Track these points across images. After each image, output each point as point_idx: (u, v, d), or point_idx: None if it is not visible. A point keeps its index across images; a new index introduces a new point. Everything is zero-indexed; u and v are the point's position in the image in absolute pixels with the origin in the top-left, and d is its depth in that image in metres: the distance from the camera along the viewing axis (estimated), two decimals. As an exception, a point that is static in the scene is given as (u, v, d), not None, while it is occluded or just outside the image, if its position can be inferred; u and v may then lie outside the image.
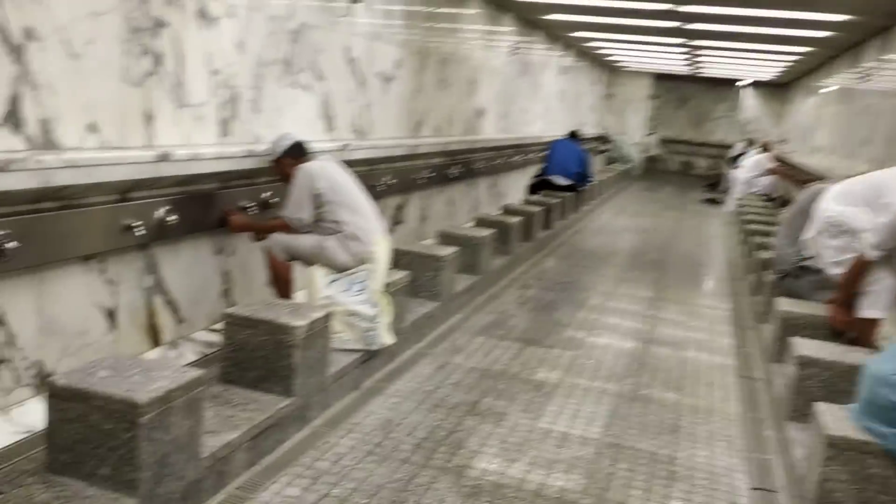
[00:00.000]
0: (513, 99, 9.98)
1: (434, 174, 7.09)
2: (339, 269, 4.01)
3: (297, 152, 4.13)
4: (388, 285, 4.16)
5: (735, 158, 16.04)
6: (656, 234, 10.20)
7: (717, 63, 14.74)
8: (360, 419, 3.59)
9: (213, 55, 4.03)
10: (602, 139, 17.07)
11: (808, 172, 11.03)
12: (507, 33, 9.33)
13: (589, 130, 16.23)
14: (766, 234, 7.90)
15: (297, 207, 4.00)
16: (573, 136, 10.08)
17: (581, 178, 9.69)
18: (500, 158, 9.36)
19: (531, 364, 4.56)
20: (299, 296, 4.47)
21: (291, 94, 4.80)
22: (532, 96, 11.00)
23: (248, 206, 4.35)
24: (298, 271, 4.35)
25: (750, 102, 19.29)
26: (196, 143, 3.97)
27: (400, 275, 4.36)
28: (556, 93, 12.55)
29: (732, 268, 8.35)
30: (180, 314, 4.07)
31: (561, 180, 9.44)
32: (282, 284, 4.12)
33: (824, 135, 10.89)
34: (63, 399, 2.39)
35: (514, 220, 6.99)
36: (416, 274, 5.01)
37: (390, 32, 6.04)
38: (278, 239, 4.07)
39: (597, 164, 17.48)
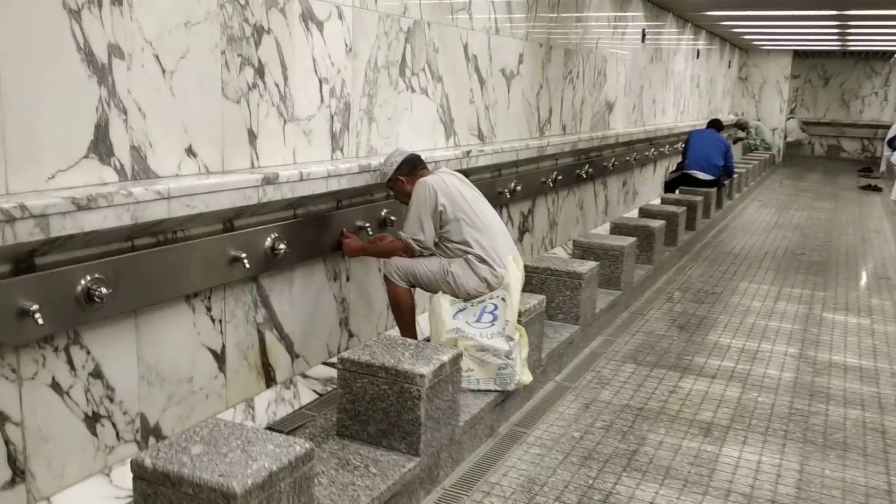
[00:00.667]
0: (643, 88, 9.20)
1: (562, 176, 6.49)
2: (467, 296, 3.50)
3: (411, 167, 3.66)
4: (522, 313, 3.61)
5: (894, 140, 14.41)
6: (811, 230, 9.12)
7: (870, 33, 13.24)
8: (498, 478, 3.06)
9: (320, 62, 3.62)
10: (739, 126, 15.81)
11: None
12: (633, 18, 8.56)
13: (724, 117, 15.05)
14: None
15: (416, 227, 3.53)
16: (714, 125, 9.18)
17: (724, 171, 8.78)
18: (631, 154, 8.62)
19: (693, 400, 3.89)
20: (423, 322, 4.01)
21: (407, 99, 4.34)
22: (663, 84, 10.15)
23: (364, 226, 3.93)
24: (422, 297, 3.90)
25: (906, 76, 17.38)
26: (304, 160, 3.58)
27: (535, 300, 3.80)
28: (687, 79, 11.59)
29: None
30: (294, 349, 3.69)
31: (701, 175, 8.57)
32: (403, 313, 3.66)
33: None
34: (150, 482, 2.00)
35: (656, 224, 6.27)
36: (551, 294, 4.44)
37: (510, 25, 5.49)
38: (398, 263, 3.62)
39: (735, 153, 16.29)
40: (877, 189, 13.36)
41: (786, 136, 17.52)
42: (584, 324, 4.50)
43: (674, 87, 10.72)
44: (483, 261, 3.49)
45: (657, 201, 9.04)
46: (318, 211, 3.66)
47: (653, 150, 9.48)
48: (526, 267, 4.54)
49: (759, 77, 16.81)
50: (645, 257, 6.09)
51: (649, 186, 9.79)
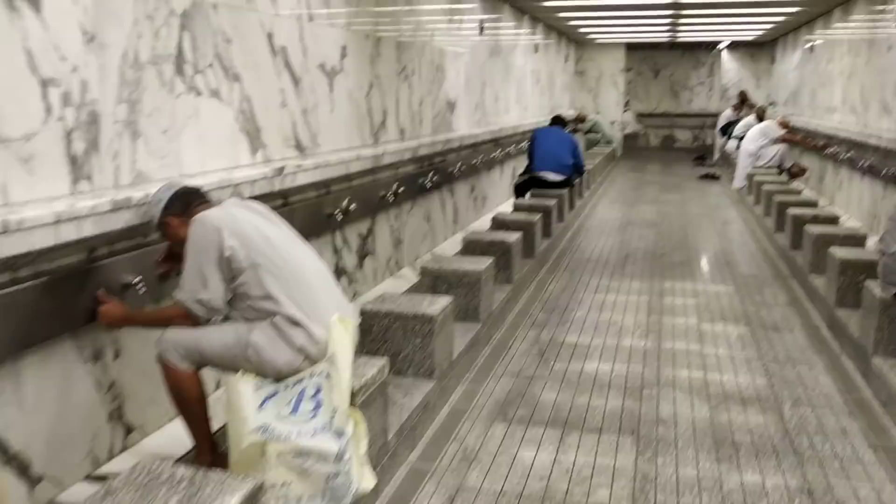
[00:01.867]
0: (484, 85, 8.51)
1: (404, 187, 5.62)
2: (278, 375, 2.51)
3: (184, 204, 2.63)
4: (357, 392, 2.66)
5: (727, 128, 14.71)
6: (666, 226, 8.79)
7: (698, 25, 13.39)
8: None
9: (39, 55, 2.50)
10: (579, 120, 15.66)
11: (824, 136, 9.73)
12: (469, 10, 7.84)
13: (565, 112, 14.80)
14: (812, 208, 6.52)
15: (196, 283, 2.50)
16: (558, 121, 8.62)
17: (575, 169, 8.26)
18: (477, 157, 7.89)
19: (583, 473, 3.09)
20: (218, 414, 2.96)
21: (190, 105, 3.28)
22: (504, 80, 9.53)
23: (132, 282, 2.84)
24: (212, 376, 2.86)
25: (729, 66, 18.00)
26: (23, 199, 2.45)
27: (374, 367, 2.85)
28: (528, 74, 11.09)
29: (779, 264, 6.96)
30: (33, 471, 2.55)
31: (552, 175, 7.97)
32: (189, 406, 2.61)
33: (837, 92, 9.57)
34: None
35: (512, 237, 5.52)
36: (397, 344, 3.53)
37: (327, 11, 4.53)
38: (174, 337, 2.57)
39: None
40: (715, 177, 13.53)
41: (623, 128, 17.66)
42: (440, 377, 3.61)
43: (515, 83, 10.15)
44: (296, 323, 2.51)
45: (508, 207, 8.39)
46: (54, 269, 2.54)
47: (499, 150, 8.83)
48: (363, 312, 3.60)
49: (595, 71, 16.78)
50: (503, 276, 5.33)
51: (498, 190, 9.14)
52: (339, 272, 4.70)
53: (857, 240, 5.77)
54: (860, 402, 3.80)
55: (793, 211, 6.80)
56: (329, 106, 4.57)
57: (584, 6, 9.96)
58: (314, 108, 4.38)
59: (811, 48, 11.47)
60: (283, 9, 4.00)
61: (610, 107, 16.92)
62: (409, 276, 5.71)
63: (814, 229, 5.86)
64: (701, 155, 17.35)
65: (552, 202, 7.24)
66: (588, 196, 10.49)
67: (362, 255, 5.10)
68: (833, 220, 6.73)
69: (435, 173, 6.43)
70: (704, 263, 7.03)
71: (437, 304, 3.66)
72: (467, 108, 7.82)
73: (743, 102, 15.19)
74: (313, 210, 4.27)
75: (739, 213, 9.66)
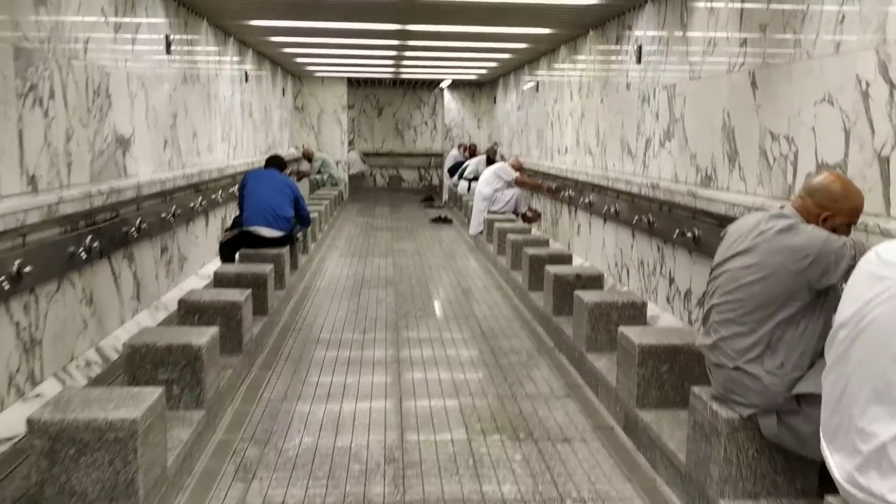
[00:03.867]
0: (177, 118, 6.72)
1: (35, 264, 3.72)
2: None
3: None
4: None
5: (454, 168, 14.19)
6: (406, 285, 7.59)
7: (419, 63, 12.69)
8: None
9: None
10: (306, 156, 14.25)
11: (556, 178, 9.28)
12: (150, 25, 6.06)
13: (285, 151, 13.29)
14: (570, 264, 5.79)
15: None
16: (275, 162, 7.08)
17: (299, 220, 6.76)
18: (170, 208, 6.08)
19: None
20: None
21: None
22: (205, 113, 7.79)
23: None
24: None
25: (451, 105, 17.78)
26: None
27: None
28: (237, 107, 9.42)
29: (544, 337, 6.00)
30: None
31: (267, 231, 6.39)
32: None
33: (569, 133, 9.19)
34: None
35: (203, 337, 3.78)
36: None
37: None
38: None
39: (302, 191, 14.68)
40: (447, 220, 12.83)
41: (349, 168, 16.60)
42: None
43: (220, 116, 8.44)
44: None
45: (211, 268, 6.65)
46: None
47: (201, 199, 7.06)
48: None
49: (316, 106, 15.51)
50: (189, 399, 3.61)
51: (203, 248, 7.33)
52: None
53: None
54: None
55: (553, 269, 5.90)
56: None
57: (294, 28, 8.57)
58: None
59: (535, 87, 11.19)
60: None
61: (334, 145, 15.74)
62: (52, 391, 3.77)
63: (586, 296, 4.94)
64: (429, 196, 16.82)
65: (268, 268, 5.63)
66: (315, 249, 9.02)
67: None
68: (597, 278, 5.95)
69: (96, 237, 4.55)
70: (455, 334, 5.88)
71: None
72: (152, 147, 5.99)
73: (472, 155, 14.82)
74: None
75: (480, 264, 8.81)
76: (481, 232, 9.79)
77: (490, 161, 12.46)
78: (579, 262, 7.78)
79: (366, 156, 18.95)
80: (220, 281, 5.33)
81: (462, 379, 4.72)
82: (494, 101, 15.89)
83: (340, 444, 3.69)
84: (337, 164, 15.31)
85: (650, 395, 3.72)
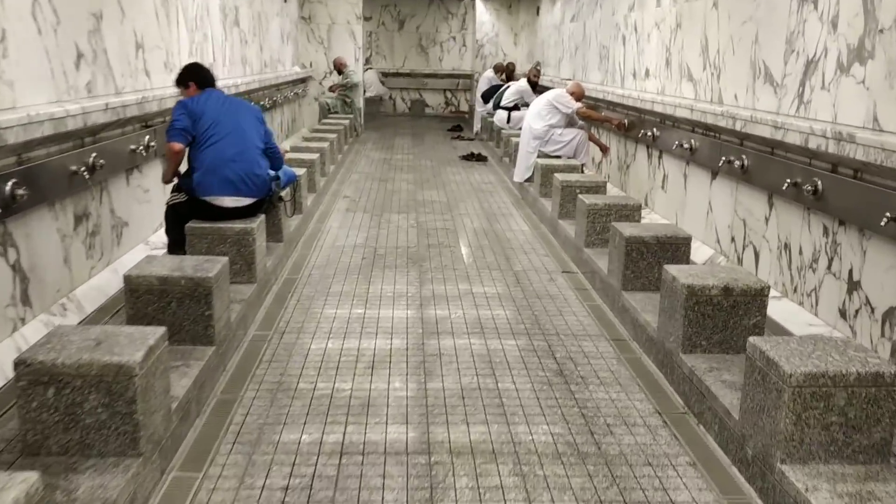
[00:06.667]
0: (103, 18, 4.57)
1: None
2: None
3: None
4: None
5: (489, 94, 11.90)
6: (442, 267, 5.52)
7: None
8: None
9: None
10: (337, 70, 12.32)
11: (632, 110, 7.07)
12: None
13: (288, 69, 11.08)
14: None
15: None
16: (209, 77, 4.78)
17: (274, 184, 4.65)
18: (86, 157, 4.02)
19: None
20: None
21: None
22: (159, 14, 5.62)
23: None
24: None
25: (485, 17, 15.29)
26: None
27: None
28: (216, 11, 7.20)
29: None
30: None
31: (231, 200, 4.29)
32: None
33: (654, 50, 6.92)
34: None
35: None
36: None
37: None
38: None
39: (309, 115, 12.49)
40: (481, 158, 10.64)
41: (364, 91, 14.34)
42: None
43: (187, 21, 6.25)
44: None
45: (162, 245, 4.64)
46: None
47: (149, 138, 4.96)
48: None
49: (325, 17, 13.14)
50: None
51: (157, 204, 5.27)
52: None
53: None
54: None
55: (682, 276, 3.75)
56: None
57: None
58: None
59: (598, -7, 8.81)
60: None
61: (347, 64, 13.43)
62: None
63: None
64: (457, 125, 14.57)
65: (215, 269, 3.48)
66: (313, 203, 6.90)
67: None
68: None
69: None
70: (517, 374, 3.84)
71: None
72: (49, 62, 3.88)
73: (509, 76, 12.52)
74: None
75: (533, 227, 6.68)
76: (529, 179, 7.65)
77: (534, 86, 10.18)
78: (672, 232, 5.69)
79: (384, 76, 16.63)
80: (135, 289, 3.26)
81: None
82: (537, 12, 13.40)
83: None
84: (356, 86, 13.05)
85: None
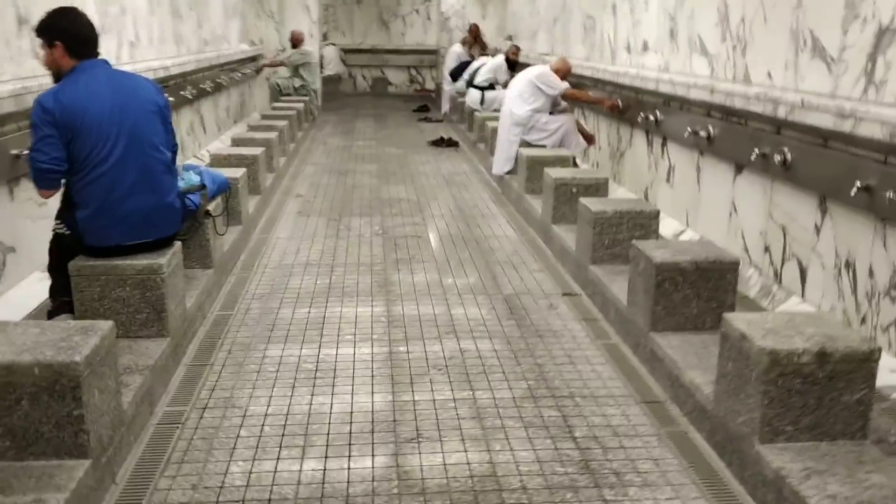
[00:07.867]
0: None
1: None
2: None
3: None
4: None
5: (459, 71, 10.83)
6: (415, 295, 4.53)
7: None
8: None
9: None
10: (293, 45, 11.27)
11: (624, 88, 6.10)
12: None
13: (234, 47, 9.90)
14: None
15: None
16: (95, 45, 3.35)
17: (199, 196, 3.57)
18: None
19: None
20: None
21: None
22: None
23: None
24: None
25: (450, -12, 14.13)
26: None
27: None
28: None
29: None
30: None
31: (129, 238, 3.17)
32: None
33: (651, 20, 5.94)
34: None
35: None
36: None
37: None
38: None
39: (260, 97, 11.30)
40: (452, 143, 9.60)
41: (322, 69, 13.16)
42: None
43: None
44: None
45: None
46: None
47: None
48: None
49: (276, -12, 11.90)
50: None
51: (43, 228, 4.16)
52: None
53: None
54: None
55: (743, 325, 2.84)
56: None
57: None
58: None
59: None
60: None
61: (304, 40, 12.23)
62: None
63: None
64: (424, 105, 13.49)
65: (85, 347, 2.45)
66: (259, 204, 5.84)
67: None
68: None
69: None
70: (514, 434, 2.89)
71: None
72: None
73: (476, 39, 11.47)
74: None
75: (520, 230, 5.68)
76: (511, 171, 6.65)
77: (512, 66, 9.14)
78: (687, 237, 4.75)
79: (345, 53, 15.45)
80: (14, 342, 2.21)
81: None
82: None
83: None
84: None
85: None
